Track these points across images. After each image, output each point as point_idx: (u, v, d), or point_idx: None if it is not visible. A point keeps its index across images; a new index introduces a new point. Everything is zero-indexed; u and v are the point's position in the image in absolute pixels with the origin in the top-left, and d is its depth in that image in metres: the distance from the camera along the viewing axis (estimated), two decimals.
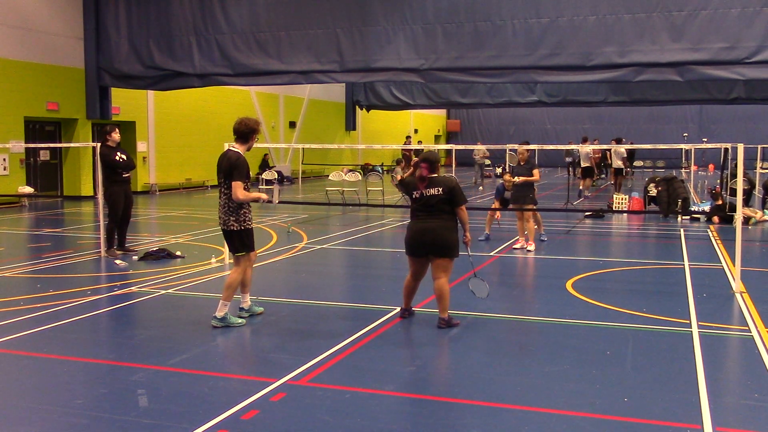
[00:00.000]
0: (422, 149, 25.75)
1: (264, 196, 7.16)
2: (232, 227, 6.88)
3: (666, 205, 16.65)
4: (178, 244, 12.26)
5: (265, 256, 10.91)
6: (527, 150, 11.97)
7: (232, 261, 10.19)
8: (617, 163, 23.15)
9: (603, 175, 29.74)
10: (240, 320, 7.02)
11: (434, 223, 6.85)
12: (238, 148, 6.99)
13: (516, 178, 11.68)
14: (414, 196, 7.02)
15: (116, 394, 5.20)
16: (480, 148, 27.14)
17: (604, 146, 22.65)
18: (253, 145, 7.10)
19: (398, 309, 7.39)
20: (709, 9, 15.50)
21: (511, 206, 12.09)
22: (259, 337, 6.79)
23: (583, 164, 23.43)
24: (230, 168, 6.80)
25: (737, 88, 27.09)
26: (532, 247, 11.49)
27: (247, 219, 6.95)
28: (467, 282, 7.65)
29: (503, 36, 16.99)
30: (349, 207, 18.46)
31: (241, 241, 6.95)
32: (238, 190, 6.74)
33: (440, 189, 6.89)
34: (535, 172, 11.67)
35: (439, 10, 17.42)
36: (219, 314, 6.86)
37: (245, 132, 6.97)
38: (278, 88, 30.06)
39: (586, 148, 22.86)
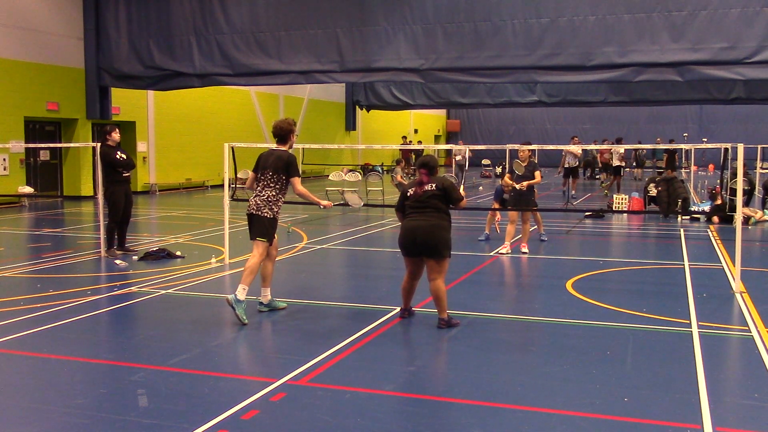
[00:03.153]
0: (422, 150, 25.76)
1: (324, 202, 7.60)
2: (265, 214, 7.22)
3: (666, 205, 16.65)
4: (178, 244, 12.26)
5: None
6: (528, 150, 11.74)
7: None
8: (615, 162, 23.21)
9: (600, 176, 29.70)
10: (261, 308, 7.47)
11: (426, 222, 6.85)
12: (283, 148, 7.43)
13: (518, 185, 11.31)
14: (408, 194, 7.08)
15: (116, 394, 5.20)
16: (460, 148, 26.46)
17: (606, 146, 22.73)
18: (294, 143, 7.57)
19: (398, 309, 7.39)
20: (709, 9, 15.49)
21: (509, 208, 11.92)
22: (259, 337, 6.79)
23: (615, 163, 23.37)
24: (286, 165, 7.24)
25: (737, 88, 27.10)
26: (526, 249, 11.39)
27: (278, 211, 7.35)
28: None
29: (503, 36, 16.98)
30: (349, 207, 18.43)
31: (265, 228, 7.24)
32: (300, 185, 7.27)
33: (433, 185, 6.95)
34: (537, 174, 11.36)
35: (439, 10, 17.42)
36: (239, 296, 6.96)
37: (283, 134, 7.41)
38: (278, 88, 30.04)
39: (619, 148, 22.94)
